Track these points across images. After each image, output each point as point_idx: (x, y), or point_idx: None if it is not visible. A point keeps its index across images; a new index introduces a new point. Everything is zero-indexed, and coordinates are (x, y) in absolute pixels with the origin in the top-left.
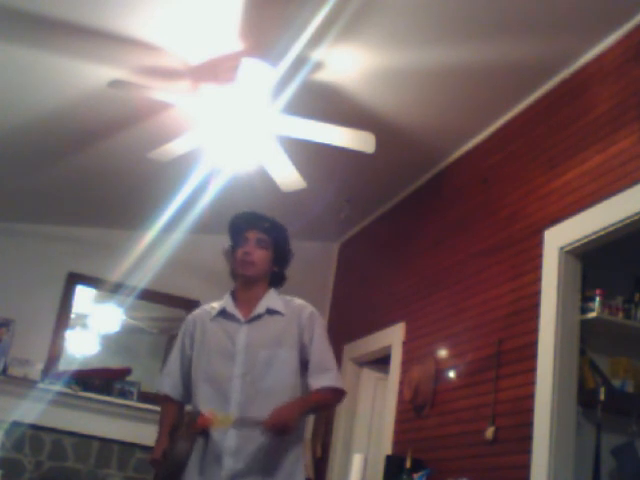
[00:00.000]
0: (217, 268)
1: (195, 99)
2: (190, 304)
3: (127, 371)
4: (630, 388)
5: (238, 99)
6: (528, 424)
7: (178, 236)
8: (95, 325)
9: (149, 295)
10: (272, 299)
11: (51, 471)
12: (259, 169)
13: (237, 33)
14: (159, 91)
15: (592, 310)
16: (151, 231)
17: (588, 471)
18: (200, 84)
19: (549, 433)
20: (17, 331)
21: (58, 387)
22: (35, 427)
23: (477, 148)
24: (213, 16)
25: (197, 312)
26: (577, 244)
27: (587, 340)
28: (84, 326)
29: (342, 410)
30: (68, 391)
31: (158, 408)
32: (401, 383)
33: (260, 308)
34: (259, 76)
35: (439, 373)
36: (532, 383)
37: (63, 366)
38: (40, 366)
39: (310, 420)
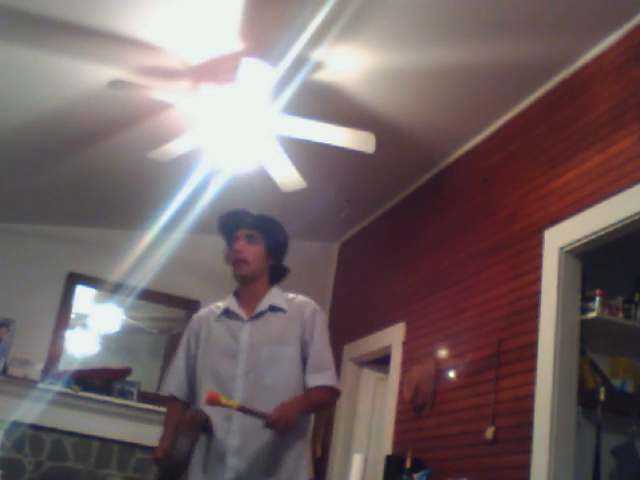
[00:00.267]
0: (217, 268)
1: (195, 99)
2: (190, 304)
3: (127, 371)
4: (630, 388)
5: (238, 99)
6: (528, 424)
7: (178, 236)
8: (95, 325)
9: (149, 295)
10: (275, 296)
11: (51, 471)
12: (259, 169)
13: (237, 33)
14: (159, 91)
15: (592, 310)
16: (151, 231)
17: (588, 471)
18: (200, 84)
19: (549, 433)
20: (17, 331)
21: (58, 387)
22: (35, 427)
23: (477, 148)
24: (213, 16)
25: (203, 312)
26: (577, 244)
27: (587, 340)
28: (84, 326)
29: (342, 410)
30: (68, 391)
31: (158, 408)
32: (401, 383)
33: (262, 306)
34: (259, 76)
35: (439, 373)
36: (532, 383)
37: (63, 366)
38: (40, 366)
39: (310, 420)
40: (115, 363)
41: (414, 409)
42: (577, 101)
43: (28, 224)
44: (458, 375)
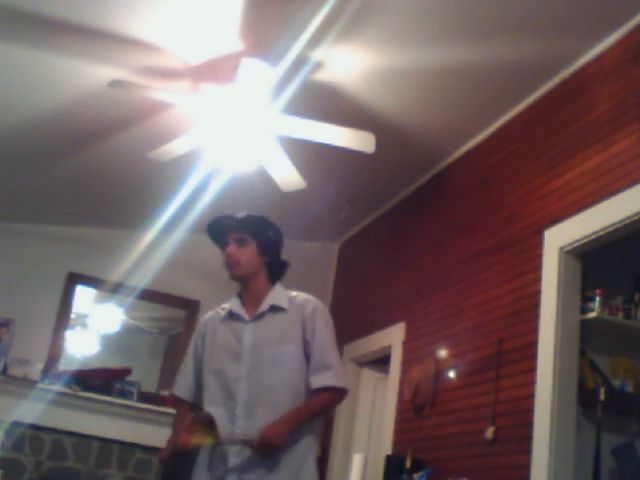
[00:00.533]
0: (217, 268)
1: (195, 99)
2: (190, 304)
3: (127, 371)
4: (630, 388)
5: (238, 99)
6: (528, 424)
7: (178, 236)
8: (95, 325)
9: (149, 295)
10: (277, 296)
11: (51, 471)
12: (259, 169)
13: (237, 33)
14: (159, 91)
15: (592, 310)
16: (151, 231)
17: (588, 471)
18: (200, 84)
19: (549, 433)
20: (17, 331)
21: (58, 387)
22: (35, 427)
23: (477, 148)
24: (213, 16)
25: (209, 314)
26: (577, 244)
27: (587, 340)
28: (84, 326)
29: (342, 410)
30: (68, 391)
31: (158, 408)
32: (401, 383)
33: (264, 306)
34: (259, 76)
35: (439, 373)
36: (532, 383)
37: (63, 366)
38: (40, 366)
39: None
40: (115, 363)
41: (414, 409)
42: (577, 101)
43: (28, 224)
44: (458, 375)
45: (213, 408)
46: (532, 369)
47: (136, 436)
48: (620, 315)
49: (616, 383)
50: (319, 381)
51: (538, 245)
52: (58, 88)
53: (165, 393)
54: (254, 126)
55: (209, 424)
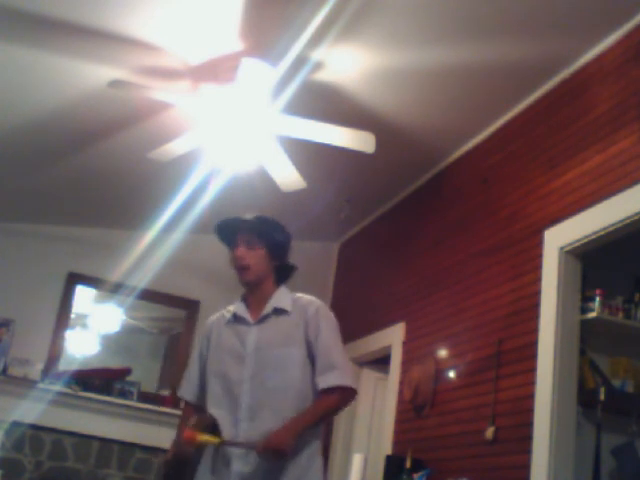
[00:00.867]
0: (217, 268)
1: (195, 99)
2: (190, 304)
3: (127, 371)
4: (630, 388)
5: (238, 99)
6: (528, 424)
7: (178, 236)
8: (95, 325)
9: (149, 295)
10: (280, 298)
11: (51, 471)
12: (259, 169)
13: (237, 33)
14: (159, 91)
15: (592, 310)
16: (151, 231)
17: (588, 471)
18: (200, 84)
19: (549, 433)
20: (17, 331)
21: (58, 387)
22: (35, 427)
23: (477, 148)
24: (213, 16)
25: (215, 316)
26: (577, 244)
27: (587, 340)
28: (84, 326)
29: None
30: (68, 391)
31: (158, 408)
32: (401, 383)
33: (267, 309)
34: (259, 76)
35: (439, 373)
36: (532, 383)
37: (63, 366)
38: (40, 366)
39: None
40: (115, 363)
41: (414, 409)
42: (577, 101)
43: (28, 224)
44: (458, 375)
45: (216, 410)
46: (532, 369)
47: (136, 436)
48: (620, 315)
49: (616, 383)
50: (325, 381)
51: (538, 245)
52: (58, 88)
53: (165, 393)
54: (254, 126)
55: (212, 427)
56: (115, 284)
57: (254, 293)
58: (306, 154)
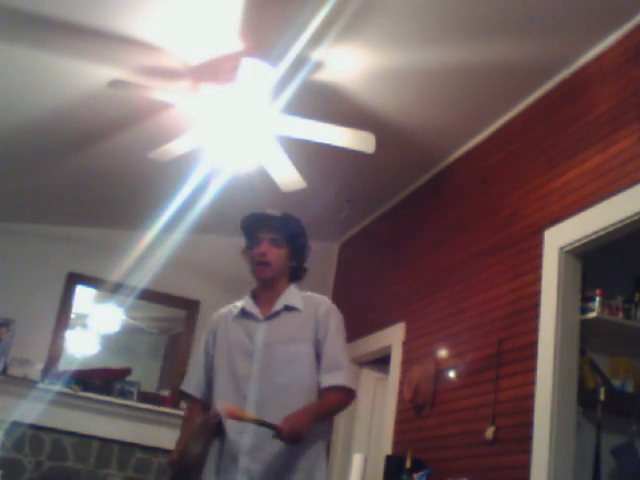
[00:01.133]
0: (217, 268)
1: (195, 99)
2: (190, 304)
3: (127, 371)
4: (630, 388)
5: (238, 99)
6: (528, 424)
7: (178, 236)
8: (95, 325)
9: (149, 295)
10: (291, 296)
11: (51, 471)
12: (259, 169)
13: (237, 33)
14: (159, 91)
15: (592, 310)
16: (151, 231)
17: (588, 471)
18: (200, 84)
19: (549, 433)
20: (17, 331)
21: (58, 387)
22: (35, 427)
23: (477, 148)
24: (213, 16)
25: (222, 311)
26: (577, 244)
27: (587, 340)
28: (84, 326)
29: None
30: (68, 391)
31: (158, 408)
32: (401, 383)
33: (278, 305)
34: (259, 76)
35: (439, 373)
36: (532, 383)
37: (63, 366)
38: (40, 366)
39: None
40: (115, 363)
41: (414, 409)
42: (577, 101)
43: (28, 224)
44: (458, 375)
45: (222, 405)
46: (532, 369)
47: (136, 436)
48: (620, 315)
49: (616, 383)
50: (330, 380)
51: (538, 245)
52: (58, 88)
53: (165, 393)
54: (254, 126)
55: (217, 426)
56: (115, 284)
57: (266, 290)
58: (306, 154)
